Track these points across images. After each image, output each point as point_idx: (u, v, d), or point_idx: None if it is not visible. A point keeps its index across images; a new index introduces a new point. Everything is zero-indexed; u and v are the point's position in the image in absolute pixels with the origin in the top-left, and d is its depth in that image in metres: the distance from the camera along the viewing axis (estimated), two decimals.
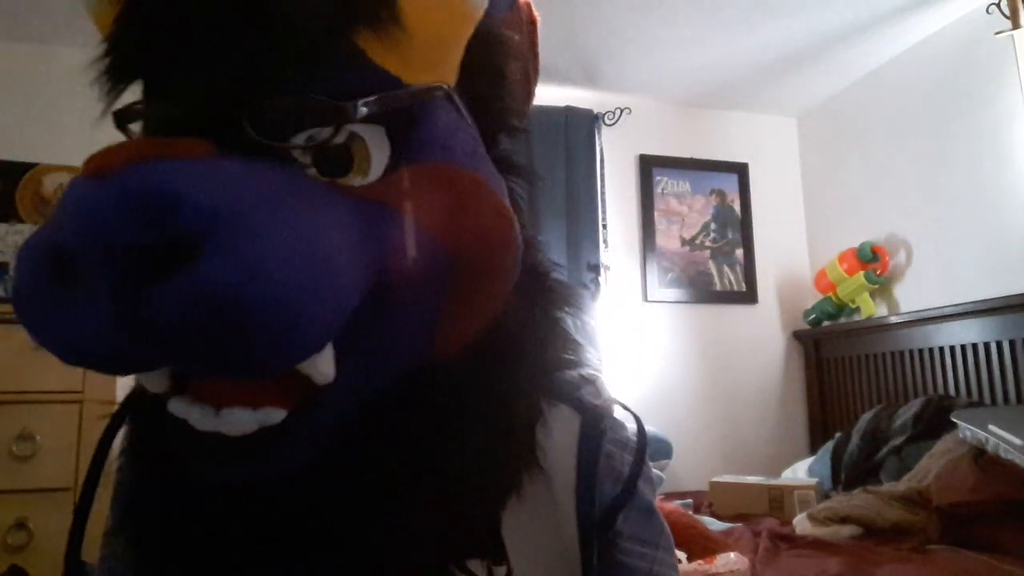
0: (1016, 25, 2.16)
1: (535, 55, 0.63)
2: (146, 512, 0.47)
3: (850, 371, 2.81)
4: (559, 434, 0.53)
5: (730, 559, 1.05)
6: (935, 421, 2.02)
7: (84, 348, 0.37)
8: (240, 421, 0.39)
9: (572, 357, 0.57)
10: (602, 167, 2.93)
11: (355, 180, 0.42)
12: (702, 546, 1.00)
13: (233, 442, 0.39)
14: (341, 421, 0.42)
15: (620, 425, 0.57)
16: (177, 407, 0.40)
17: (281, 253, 0.33)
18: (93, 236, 0.32)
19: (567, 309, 0.57)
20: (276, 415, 0.39)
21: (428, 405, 0.44)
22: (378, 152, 0.43)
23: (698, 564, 1.01)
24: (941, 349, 2.39)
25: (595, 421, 0.54)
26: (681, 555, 0.99)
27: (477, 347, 0.47)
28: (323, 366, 0.39)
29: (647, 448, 0.57)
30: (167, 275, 0.32)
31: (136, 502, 0.48)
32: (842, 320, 2.89)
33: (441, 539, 0.46)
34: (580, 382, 0.57)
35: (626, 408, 0.58)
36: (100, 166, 0.33)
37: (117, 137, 0.41)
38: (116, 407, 0.53)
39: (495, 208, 0.46)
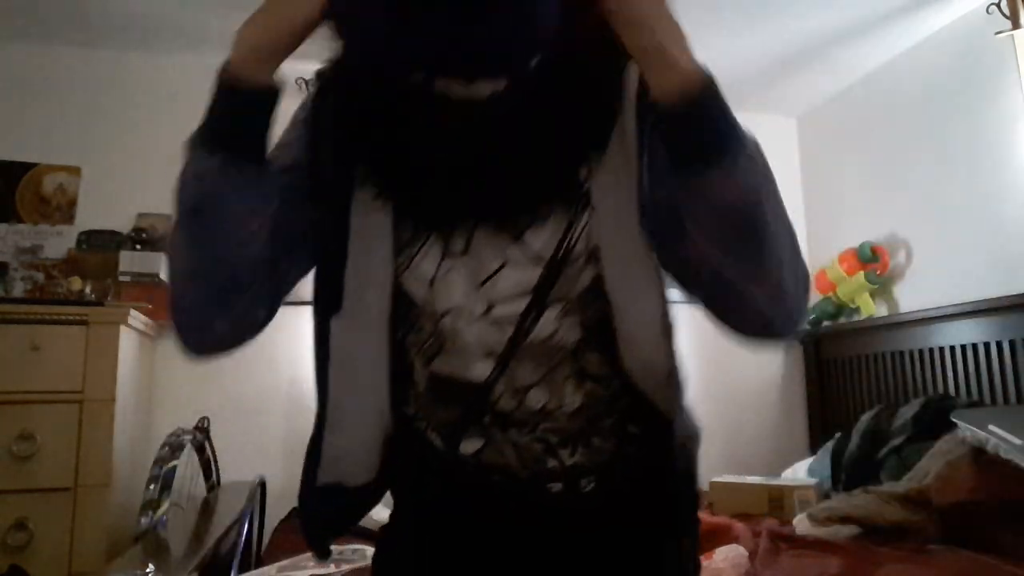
0: (1016, 25, 2.16)
1: None
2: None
3: (850, 371, 2.81)
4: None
5: (728, 552, 1.04)
6: (935, 421, 2.01)
7: None
8: None
9: None
10: None
11: None
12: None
13: None
14: None
15: None
16: None
17: None
18: None
19: None
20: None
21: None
22: None
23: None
24: (941, 349, 2.38)
25: None
26: None
27: None
28: None
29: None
30: None
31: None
32: (842, 320, 2.89)
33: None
34: None
35: None
36: None
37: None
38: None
39: None
